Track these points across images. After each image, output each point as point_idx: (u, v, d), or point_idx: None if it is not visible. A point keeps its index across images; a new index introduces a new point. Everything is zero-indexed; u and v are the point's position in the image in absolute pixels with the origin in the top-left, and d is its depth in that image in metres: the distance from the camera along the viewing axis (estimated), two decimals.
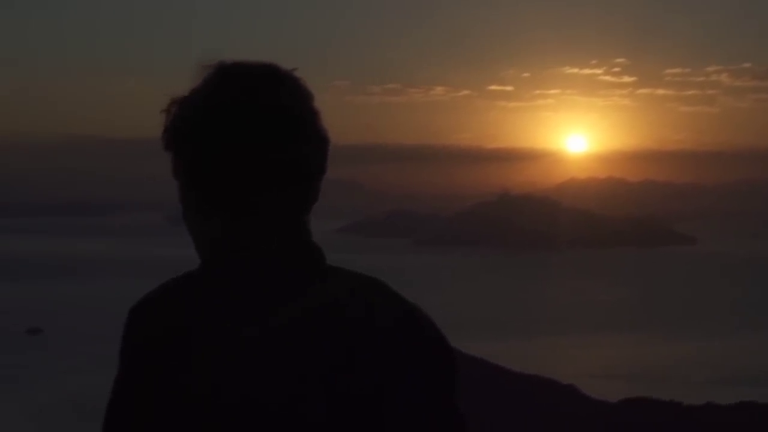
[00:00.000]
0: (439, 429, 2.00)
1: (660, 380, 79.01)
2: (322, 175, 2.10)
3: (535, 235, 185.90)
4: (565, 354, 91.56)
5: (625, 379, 79.74)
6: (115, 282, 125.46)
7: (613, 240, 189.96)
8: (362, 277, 2.07)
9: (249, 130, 2.02)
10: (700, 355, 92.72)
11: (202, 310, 2.04)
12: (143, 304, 2.14)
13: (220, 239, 2.07)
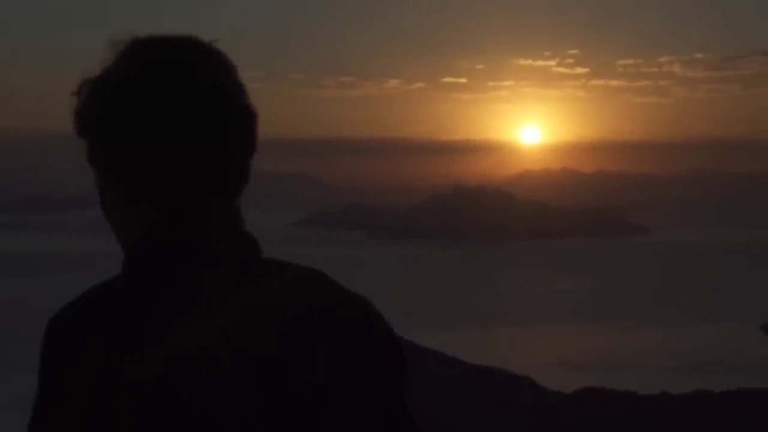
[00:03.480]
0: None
1: (615, 370, 79.33)
2: (252, 154, 1.92)
3: (489, 227, 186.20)
4: (520, 345, 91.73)
5: (580, 369, 79.98)
6: (76, 278, 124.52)
7: (568, 231, 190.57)
8: (302, 270, 1.90)
9: (172, 109, 1.83)
10: (655, 345, 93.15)
11: (130, 316, 1.84)
12: (64, 315, 1.91)
13: (148, 231, 1.87)
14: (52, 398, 1.89)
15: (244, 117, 1.89)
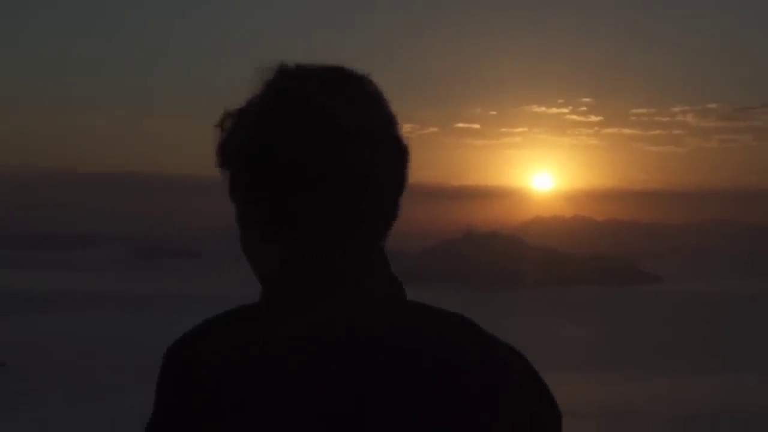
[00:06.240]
0: None
1: (625, 419, 78.63)
2: (400, 189, 1.84)
3: (500, 273, 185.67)
4: None
5: (590, 418, 79.29)
6: (80, 317, 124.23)
7: (579, 278, 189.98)
8: (444, 314, 1.87)
9: (316, 144, 1.72)
10: (665, 394, 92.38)
11: (243, 351, 1.80)
12: (179, 345, 1.90)
13: (284, 267, 1.76)
14: (162, 424, 1.90)
15: (389, 150, 1.81)
